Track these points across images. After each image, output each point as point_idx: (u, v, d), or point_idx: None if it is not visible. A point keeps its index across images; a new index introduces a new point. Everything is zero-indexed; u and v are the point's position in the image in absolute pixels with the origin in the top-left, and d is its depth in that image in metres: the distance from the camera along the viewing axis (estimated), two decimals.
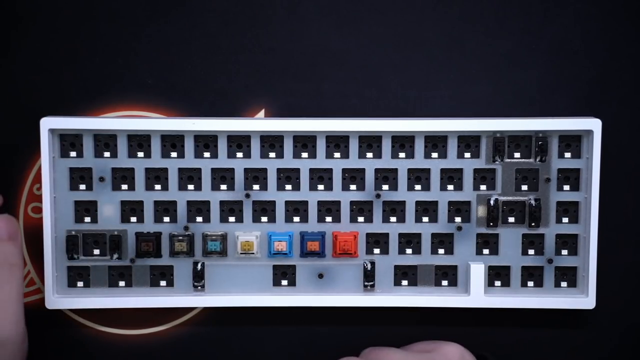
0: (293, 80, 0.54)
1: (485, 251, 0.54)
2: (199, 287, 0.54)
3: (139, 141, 0.53)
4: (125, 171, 0.53)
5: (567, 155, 0.53)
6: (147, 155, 0.53)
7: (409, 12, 0.54)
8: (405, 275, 0.55)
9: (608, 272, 0.55)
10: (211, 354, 0.56)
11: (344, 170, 0.54)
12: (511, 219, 0.54)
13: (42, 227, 0.53)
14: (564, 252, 0.54)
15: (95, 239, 0.54)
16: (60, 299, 0.54)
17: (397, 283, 0.55)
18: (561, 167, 0.53)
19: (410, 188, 0.54)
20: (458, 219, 0.54)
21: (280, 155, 0.53)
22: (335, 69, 0.54)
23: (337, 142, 0.53)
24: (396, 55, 0.54)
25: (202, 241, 0.54)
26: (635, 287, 0.56)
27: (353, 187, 0.54)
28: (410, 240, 0.54)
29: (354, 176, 0.54)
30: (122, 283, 0.54)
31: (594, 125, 0.52)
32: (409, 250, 0.54)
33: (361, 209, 0.54)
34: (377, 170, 0.54)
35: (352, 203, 0.54)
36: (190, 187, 0.54)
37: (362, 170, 0.54)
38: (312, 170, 0.54)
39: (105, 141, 0.53)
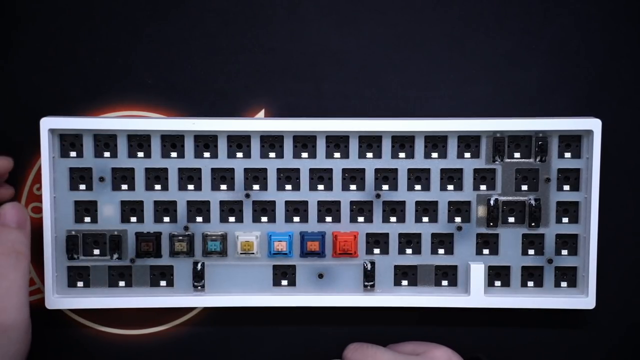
0: (293, 80, 0.54)
1: (485, 251, 0.54)
2: (199, 287, 0.54)
3: (139, 141, 0.53)
4: (125, 171, 0.53)
5: (567, 155, 0.53)
6: (147, 155, 0.53)
7: (409, 12, 0.54)
8: (405, 275, 0.55)
9: (608, 272, 0.55)
10: (211, 354, 0.56)
11: (344, 170, 0.54)
12: (511, 219, 0.54)
13: (42, 227, 0.53)
14: (564, 252, 0.54)
15: (95, 239, 0.54)
16: (60, 299, 0.54)
17: (397, 283, 0.55)
18: (561, 167, 0.53)
19: (410, 188, 0.54)
20: (458, 219, 0.54)
21: (280, 155, 0.53)
22: (335, 69, 0.54)
23: (337, 142, 0.53)
24: (396, 55, 0.54)
25: (202, 241, 0.54)
26: (635, 287, 0.56)
27: (353, 187, 0.54)
28: (410, 240, 0.54)
29: (354, 176, 0.54)
30: (122, 283, 0.54)
31: (594, 125, 0.52)
32: (409, 250, 0.54)
33: (361, 209, 0.54)
34: (377, 170, 0.54)
35: (352, 203, 0.54)
36: (190, 187, 0.54)
37: (362, 170, 0.54)
38: (312, 170, 0.54)
39: (105, 141, 0.53)
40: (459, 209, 0.54)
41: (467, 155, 0.53)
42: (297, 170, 0.54)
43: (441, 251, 0.54)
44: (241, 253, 0.54)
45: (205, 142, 0.53)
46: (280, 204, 0.54)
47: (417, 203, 0.54)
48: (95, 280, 0.54)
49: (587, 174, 0.53)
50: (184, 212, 0.54)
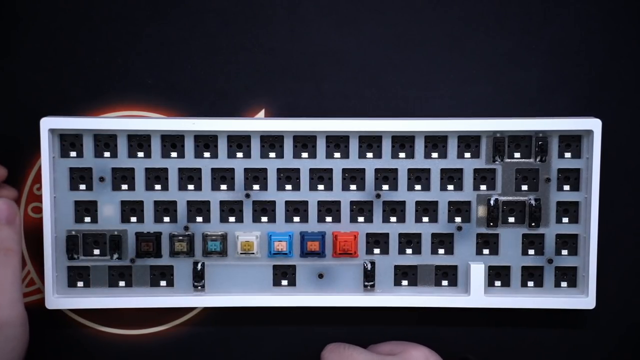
0: (293, 80, 0.54)
1: (485, 251, 0.54)
2: (199, 287, 0.54)
3: (139, 141, 0.53)
4: (125, 171, 0.53)
5: (567, 155, 0.53)
6: (147, 155, 0.53)
7: (409, 12, 0.54)
8: (405, 275, 0.55)
9: (608, 272, 0.55)
10: (211, 354, 0.56)
11: (344, 170, 0.54)
12: (511, 219, 0.54)
13: (42, 227, 0.53)
14: (564, 252, 0.54)
15: (95, 239, 0.54)
16: (60, 299, 0.54)
17: (397, 283, 0.55)
18: (561, 167, 0.53)
19: (410, 188, 0.54)
20: (458, 219, 0.54)
21: (280, 155, 0.53)
22: (335, 69, 0.54)
23: (337, 142, 0.53)
24: (396, 55, 0.54)
25: (202, 241, 0.54)
26: (635, 287, 0.56)
27: (353, 187, 0.54)
28: (410, 240, 0.54)
29: (354, 176, 0.54)
30: (122, 283, 0.54)
31: (594, 125, 0.52)
32: (409, 250, 0.54)
33: (361, 209, 0.54)
34: (377, 170, 0.54)
35: (352, 203, 0.54)
36: (190, 187, 0.54)
37: (362, 170, 0.54)
38: (312, 170, 0.54)
39: (105, 141, 0.53)
40: (459, 209, 0.54)
41: (467, 155, 0.53)
42: (297, 170, 0.54)
43: (441, 251, 0.54)
44: (241, 253, 0.54)
45: (205, 142, 0.53)
46: (280, 204, 0.54)
47: (417, 203, 0.54)
48: (95, 280, 0.54)
49: (587, 174, 0.53)
50: (184, 212, 0.54)
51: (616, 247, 0.56)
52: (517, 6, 0.54)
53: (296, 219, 0.54)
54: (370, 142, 0.53)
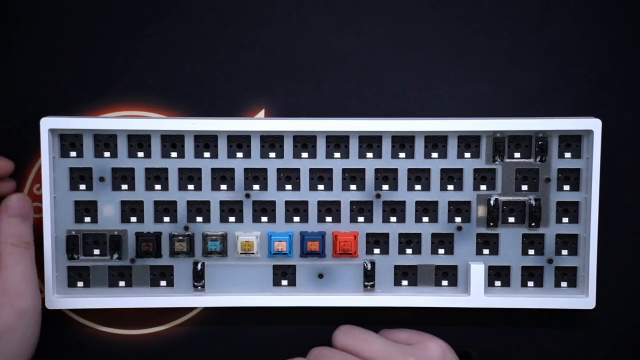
0: (293, 80, 0.54)
1: (485, 251, 0.54)
2: (199, 287, 0.54)
3: (139, 141, 0.53)
4: (125, 171, 0.53)
5: (567, 155, 0.53)
6: (147, 155, 0.53)
7: (409, 12, 0.54)
8: (405, 275, 0.55)
9: (608, 272, 0.55)
10: (211, 354, 0.56)
11: (344, 170, 0.54)
12: (511, 219, 0.54)
13: (42, 227, 0.53)
14: (564, 252, 0.54)
15: (95, 239, 0.54)
16: (60, 299, 0.54)
17: (397, 283, 0.55)
18: (561, 167, 0.53)
19: (410, 188, 0.54)
20: (458, 219, 0.54)
21: (280, 155, 0.53)
22: (335, 69, 0.54)
23: (337, 142, 0.53)
24: (396, 55, 0.54)
25: (202, 241, 0.54)
26: (635, 287, 0.56)
27: (353, 187, 0.54)
28: (410, 240, 0.54)
29: (354, 176, 0.54)
30: (122, 283, 0.54)
31: (594, 125, 0.52)
32: (409, 250, 0.54)
33: (361, 209, 0.54)
34: (377, 170, 0.54)
35: (352, 203, 0.54)
36: (190, 187, 0.54)
37: (362, 170, 0.54)
38: (312, 170, 0.54)
39: (105, 141, 0.53)
40: (459, 209, 0.54)
41: (467, 155, 0.53)
42: (297, 170, 0.54)
43: (441, 251, 0.54)
44: (241, 253, 0.54)
45: (205, 142, 0.53)
46: (280, 204, 0.54)
47: (417, 203, 0.54)
48: (95, 280, 0.54)
49: (587, 174, 0.53)
50: (184, 212, 0.54)
51: (616, 247, 0.56)
52: (517, 6, 0.54)
53: (296, 219, 0.54)
54: (370, 142, 0.53)
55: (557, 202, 0.54)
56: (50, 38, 0.54)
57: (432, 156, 0.53)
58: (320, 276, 0.55)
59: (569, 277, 0.55)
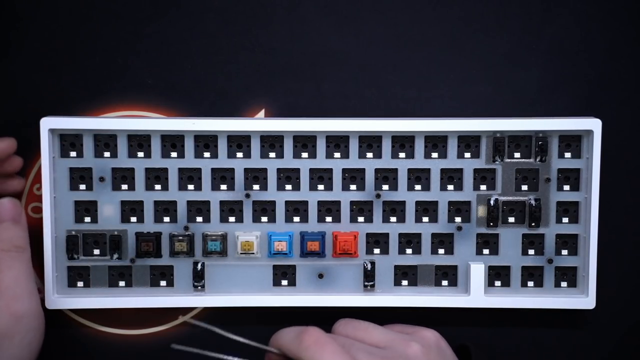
0: (293, 80, 0.55)
1: (485, 251, 0.54)
2: (199, 287, 0.54)
3: (139, 141, 0.53)
4: (125, 171, 0.53)
5: (567, 155, 0.53)
6: (147, 155, 0.53)
7: (409, 12, 0.54)
8: (405, 275, 0.55)
9: (608, 272, 0.55)
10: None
11: (344, 170, 0.54)
12: (511, 219, 0.54)
13: (42, 227, 0.53)
14: (564, 252, 0.54)
15: (95, 239, 0.54)
16: (60, 299, 0.54)
17: (397, 283, 0.55)
18: (561, 167, 0.53)
19: (410, 188, 0.54)
20: (458, 219, 0.54)
21: (280, 155, 0.53)
22: (335, 69, 0.54)
23: (337, 142, 0.53)
24: (396, 55, 0.54)
25: (202, 241, 0.54)
26: (635, 287, 0.56)
27: (353, 187, 0.54)
28: (410, 240, 0.54)
29: (354, 176, 0.54)
30: (122, 283, 0.54)
31: (594, 125, 0.52)
32: (409, 250, 0.54)
33: (361, 209, 0.54)
34: (377, 170, 0.54)
35: (352, 203, 0.54)
36: (190, 187, 0.54)
37: (362, 170, 0.54)
38: (312, 170, 0.54)
39: (105, 141, 0.53)
40: (459, 209, 0.54)
41: (467, 155, 0.53)
42: (297, 170, 0.54)
43: (441, 251, 0.54)
44: (241, 253, 0.54)
45: (205, 142, 0.53)
46: (280, 204, 0.54)
47: (417, 203, 0.54)
48: (95, 280, 0.54)
49: (587, 174, 0.53)
50: (184, 212, 0.54)
51: (616, 247, 0.56)
52: (517, 6, 0.54)
53: (296, 219, 0.54)
54: (370, 142, 0.53)
55: (557, 202, 0.54)
56: (50, 38, 0.54)
57: (432, 156, 0.53)
58: (320, 276, 0.55)
59: (569, 277, 0.55)
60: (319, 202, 0.54)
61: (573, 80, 0.55)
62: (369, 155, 0.53)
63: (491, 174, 0.54)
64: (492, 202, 0.54)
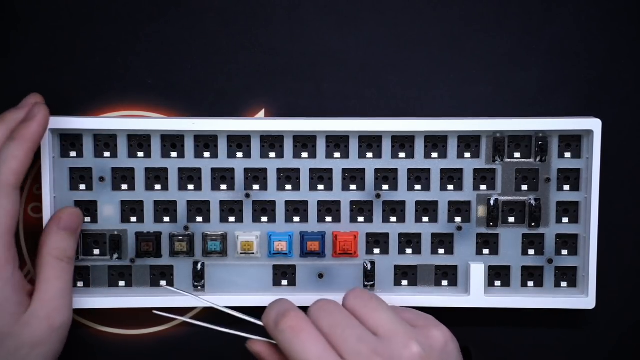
0: (293, 80, 0.55)
1: (485, 251, 0.54)
2: (199, 287, 0.54)
3: (139, 141, 0.53)
4: (125, 171, 0.53)
5: (567, 155, 0.53)
6: (147, 155, 0.53)
7: (409, 12, 0.54)
8: (405, 275, 0.55)
9: (608, 272, 0.55)
10: (211, 354, 0.56)
11: (344, 170, 0.54)
12: (511, 219, 0.54)
13: (42, 227, 0.52)
14: (564, 252, 0.54)
15: (95, 239, 0.54)
16: None
17: (397, 283, 0.55)
18: (561, 167, 0.53)
19: (410, 188, 0.54)
20: (458, 219, 0.54)
21: (280, 155, 0.53)
22: (335, 69, 0.54)
23: (337, 142, 0.53)
24: (396, 55, 0.54)
25: (202, 241, 0.54)
26: (635, 287, 0.56)
27: (353, 187, 0.54)
28: (410, 240, 0.54)
29: (354, 176, 0.54)
30: (122, 283, 0.54)
31: (594, 125, 0.52)
32: (409, 250, 0.54)
33: (361, 209, 0.54)
34: (377, 170, 0.54)
35: (352, 203, 0.54)
36: (190, 187, 0.54)
37: (362, 170, 0.54)
38: (312, 170, 0.54)
39: (105, 141, 0.53)
40: (459, 209, 0.54)
41: (467, 155, 0.53)
42: (297, 170, 0.54)
43: (441, 251, 0.55)
44: (241, 253, 0.54)
45: (205, 142, 0.53)
46: (280, 204, 0.54)
47: (417, 203, 0.54)
48: (95, 280, 0.54)
49: (587, 174, 0.53)
50: (184, 212, 0.54)
51: (616, 247, 0.56)
52: (517, 6, 0.54)
53: (296, 219, 0.54)
54: (370, 142, 0.53)
55: (557, 202, 0.54)
56: (50, 38, 0.54)
57: (432, 156, 0.53)
58: (320, 276, 0.55)
59: (569, 277, 0.55)
60: (319, 202, 0.54)
61: (573, 80, 0.55)
62: (369, 155, 0.53)
63: (491, 174, 0.54)
64: (492, 202, 0.54)
